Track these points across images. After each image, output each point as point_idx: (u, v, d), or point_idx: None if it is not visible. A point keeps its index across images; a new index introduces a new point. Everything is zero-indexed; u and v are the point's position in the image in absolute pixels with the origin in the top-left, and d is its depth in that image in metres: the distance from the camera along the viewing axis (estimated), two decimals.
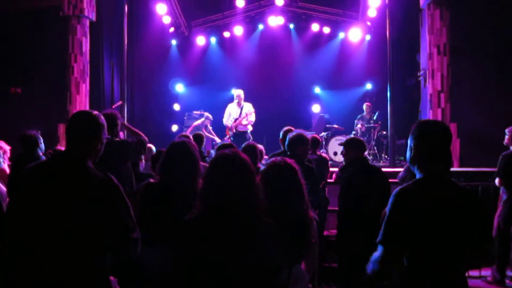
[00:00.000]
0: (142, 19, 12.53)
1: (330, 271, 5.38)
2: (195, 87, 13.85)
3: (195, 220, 2.22)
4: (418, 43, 10.33)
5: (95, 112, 2.45)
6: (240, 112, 9.71)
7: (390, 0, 9.47)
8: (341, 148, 4.90)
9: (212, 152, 6.70)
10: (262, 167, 2.65)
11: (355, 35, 13.08)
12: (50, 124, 9.41)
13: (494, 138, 7.48)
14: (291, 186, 2.56)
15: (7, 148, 5.39)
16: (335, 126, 11.50)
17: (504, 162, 5.57)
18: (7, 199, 4.09)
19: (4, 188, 4.32)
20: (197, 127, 10.92)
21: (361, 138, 10.56)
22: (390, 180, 4.67)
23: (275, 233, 2.20)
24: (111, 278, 2.43)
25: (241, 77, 13.02)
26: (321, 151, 9.46)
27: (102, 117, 2.47)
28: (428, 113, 9.32)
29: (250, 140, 8.15)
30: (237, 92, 9.95)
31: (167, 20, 12.58)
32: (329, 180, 6.45)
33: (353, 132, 11.13)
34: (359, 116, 11.41)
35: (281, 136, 5.49)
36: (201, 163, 3.40)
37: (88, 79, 10.58)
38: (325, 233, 6.28)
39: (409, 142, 2.35)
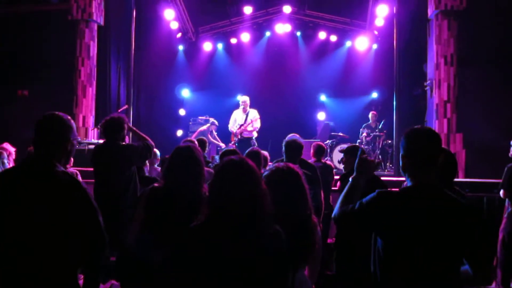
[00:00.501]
0: (149, 24, 12.60)
1: (333, 279, 5.34)
2: (201, 92, 13.89)
3: (201, 226, 2.21)
4: (425, 53, 10.32)
5: (62, 114, 2.41)
6: (245, 118, 9.71)
7: (397, 9, 9.47)
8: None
9: (216, 157, 6.70)
10: (265, 173, 2.64)
11: (362, 43, 13.09)
12: None
13: (500, 149, 7.45)
14: (294, 191, 2.55)
15: (12, 150, 5.41)
16: (340, 134, 11.49)
17: (509, 174, 5.53)
18: None
19: None
20: (203, 133, 10.95)
21: (366, 147, 10.62)
22: (394, 189, 4.64)
23: (282, 240, 2.18)
24: (114, 281, 2.43)
25: (247, 83, 13.04)
26: (326, 158, 9.45)
27: (69, 118, 2.43)
28: (434, 123, 9.29)
29: (255, 147, 8.13)
30: (242, 98, 9.96)
31: (174, 25, 12.64)
32: (333, 188, 6.42)
33: (358, 141, 11.11)
34: (364, 125, 11.39)
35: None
36: (205, 168, 3.40)
37: (94, 83, 10.65)
38: (329, 240, 6.24)
39: (400, 150, 2.31)
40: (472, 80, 9.28)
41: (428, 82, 10.03)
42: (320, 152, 6.54)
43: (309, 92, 13.58)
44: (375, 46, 13.14)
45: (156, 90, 13.52)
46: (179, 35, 13.38)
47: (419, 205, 2.15)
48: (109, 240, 4.35)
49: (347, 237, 4.37)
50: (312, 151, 6.62)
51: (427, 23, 10.10)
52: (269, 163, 6.11)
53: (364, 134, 11.08)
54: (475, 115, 9.03)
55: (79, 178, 6.24)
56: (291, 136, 4.91)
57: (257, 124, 9.71)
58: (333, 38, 13.43)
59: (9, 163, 5.31)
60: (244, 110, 9.79)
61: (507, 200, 5.67)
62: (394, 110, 9.27)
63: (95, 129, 10.14)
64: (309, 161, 5.99)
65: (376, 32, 12.70)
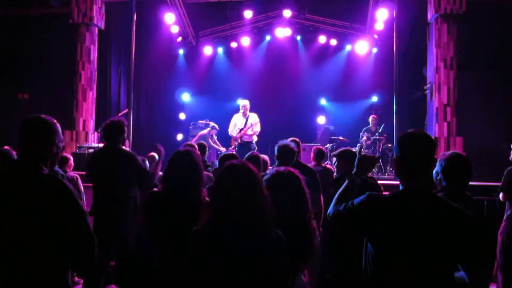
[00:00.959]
0: (150, 28, 12.63)
1: (332, 282, 5.32)
2: (201, 96, 13.90)
3: (202, 230, 2.22)
4: (425, 57, 10.34)
5: (46, 117, 2.40)
6: (245, 123, 9.72)
7: (397, 13, 9.50)
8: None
9: (216, 162, 6.69)
10: (266, 176, 2.64)
11: (362, 47, 13.12)
12: None
13: (500, 152, 7.45)
14: (295, 194, 2.55)
15: (13, 153, 5.41)
16: (340, 138, 11.49)
17: (509, 177, 5.53)
18: None
19: None
20: (203, 137, 10.94)
21: (366, 151, 10.61)
22: (385, 193, 4.62)
23: (283, 244, 2.19)
24: (113, 286, 2.43)
25: (247, 87, 13.05)
26: (326, 162, 9.44)
27: (54, 121, 2.42)
28: (434, 127, 9.30)
29: (254, 151, 8.14)
30: (243, 102, 9.97)
31: (175, 29, 12.66)
32: None
33: (358, 145, 11.10)
34: (364, 129, 11.39)
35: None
36: (204, 172, 3.40)
37: (95, 87, 10.67)
38: None
39: (394, 153, 2.30)
40: (472, 83, 9.30)
41: (428, 85, 10.04)
42: (320, 156, 6.54)
43: (309, 96, 13.59)
44: (375, 50, 13.16)
45: (156, 94, 13.54)
46: (179, 39, 13.41)
47: (407, 209, 2.14)
48: (109, 244, 4.36)
49: (340, 238, 4.36)
50: (312, 155, 6.62)
51: (427, 27, 10.13)
52: (269, 167, 6.11)
53: (364, 138, 11.07)
54: (475, 118, 9.05)
55: (79, 182, 6.27)
56: (286, 140, 4.90)
57: (257, 128, 9.71)
58: (333, 42, 13.44)
59: None
60: (244, 114, 9.79)
61: (507, 202, 5.67)
62: (394, 114, 9.28)
63: (95, 133, 10.14)
64: (309, 165, 5.99)
65: (376, 36, 12.72)
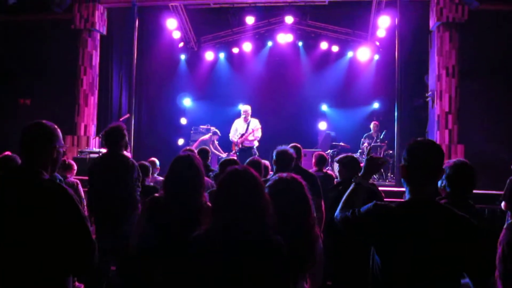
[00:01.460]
0: (152, 34, 12.67)
1: None
2: (203, 101, 13.91)
3: (204, 236, 2.21)
4: (427, 64, 10.35)
5: (47, 122, 2.41)
6: (246, 128, 9.72)
7: (399, 21, 9.51)
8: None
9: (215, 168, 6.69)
10: (269, 182, 2.64)
11: (364, 54, 13.13)
12: None
13: (501, 161, 7.43)
14: (297, 201, 2.55)
15: (16, 159, 5.41)
16: (342, 144, 11.49)
17: (511, 186, 5.52)
18: None
19: None
20: (204, 142, 10.95)
21: (367, 157, 10.61)
22: (395, 200, 4.62)
23: (283, 250, 2.18)
24: None
25: (248, 93, 13.07)
26: (327, 168, 9.44)
27: (54, 126, 2.42)
28: (436, 134, 9.30)
29: (255, 156, 8.14)
30: (244, 107, 9.98)
31: (177, 35, 12.70)
32: None
33: (359, 151, 11.10)
34: (365, 135, 11.39)
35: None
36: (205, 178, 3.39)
37: (96, 92, 10.70)
38: None
39: (402, 160, 2.29)
40: (473, 91, 9.31)
41: (430, 93, 10.05)
42: (322, 162, 6.54)
43: (311, 102, 13.59)
44: (376, 57, 13.18)
45: (157, 99, 13.55)
46: (181, 44, 13.44)
47: (415, 219, 2.13)
48: (109, 249, 4.34)
49: (342, 246, 4.35)
50: (313, 160, 6.62)
51: (429, 34, 10.15)
52: (270, 173, 6.11)
53: (365, 144, 11.07)
54: (477, 126, 9.05)
55: (80, 187, 6.26)
56: (281, 146, 4.89)
57: (258, 134, 9.72)
58: (335, 48, 13.47)
59: None
60: (246, 120, 9.80)
61: (508, 212, 5.65)
62: (396, 121, 9.28)
63: (97, 138, 10.15)
64: (311, 170, 5.98)
65: (377, 43, 12.74)
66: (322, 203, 5.00)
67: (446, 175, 3.10)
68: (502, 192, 5.68)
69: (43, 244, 2.18)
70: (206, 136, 11.34)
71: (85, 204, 6.16)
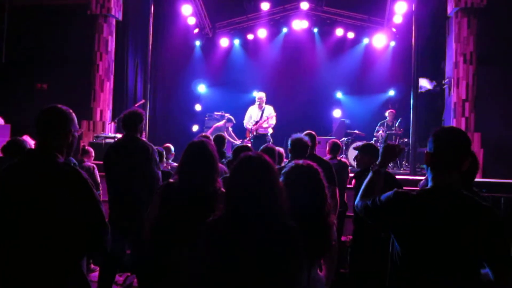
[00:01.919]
0: (167, 20, 12.66)
1: (347, 277, 5.32)
2: (217, 88, 13.92)
3: (218, 221, 2.23)
4: (444, 51, 10.21)
5: (62, 106, 2.44)
6: (261, 115, 9.71)
7: (416, 7, 9.37)
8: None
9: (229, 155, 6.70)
10: (284, 169, 2.64)
11: (380, 41, 13.00)
12: None
13: None
14: (313, 188, 2.55)
15: (32, 142, 5.48)
16: (356, 131, 11.44)
17: None
18: None
19: None
20: (219, 129, 10.97)
21: (382, 145, 10.55)
22: (410, 188, 4.60)
23: (298, 236, 2.19)
24: (129, 274, 2.45)
25: (263, 79, 13.04)
26: (341, 156, 9.41)
27: (69, 111, 2.45)
28: (452, 122, 9.20)
29: (270, 143, 8.14)
30: (259, 94, 9.96)
31: (192, 21, 12.69)
32: (348, 186, 6.40)
33: (374, 139, 11.04)
34: (380, 123, 11.31)
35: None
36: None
37: (112, 77, 10.75)
38: (343, 238, 6.23)
39: (428, 146, 2.25)
40: (491, 79, 9.16)
41: (447, 80, 9.92)
42: (336, 149, 6.52)
43: (325, 89, 13.52)
44: (392, 44, 13.03)
45: (172, 85, 13.60)
46: (196, 30, 13.42)
47: (436, 207, 2.11)
48: (124, 233, 4.39)
49: (363, 235, 4.36)
50: (327, 148, 6.61)
51: (446, 20, 10.00)
52: (284, 160, 6.11)
53: (381, 131, 11.00)
54: (494, 114, 8.92)
55: (96, 172, 6.34)
56: (300, 134, 4.89)
57: (273, 121, 9.70)
58: (351, 35, 13.34)
59: None
60: (260, 107, 9.78)
61: None
62: (411, 108, 9.19)
63: (113, 123, 10.23)
64: (325, 158, 5.97)
65: (394, 30, 12.59)
66: (337, 190, 5.01)
67: None
68: None
69: (58, 226, 2.23)
70: (221, 123, 11.36)
71: (101, 188, 6.25)
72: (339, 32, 13.33)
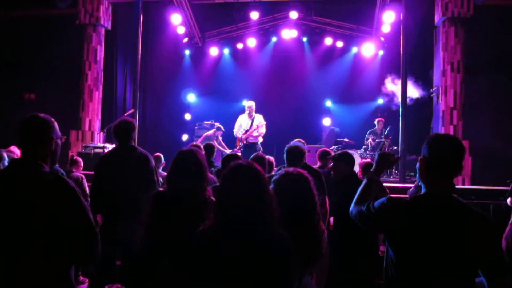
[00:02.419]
0: (156, 29, 12.67)
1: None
2: (207, 97, 13.91)
3: (208, 231, 2.21)
4: (432, 60, 10.31)
5: (42, 115, 2.41)
6: (251, 124, 9.71)
7: (404, 16, 9.47)
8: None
9: (218, 163, 6.69)
10: (275, 177, 2.63)
11: (368, 50, 13.09)
12: (63, 130, 9.47)
13: (506, 157, 7.40)
14: (303, 196, 2.54)
15: (19, 152, 5.43)
16: (346, 140, 11.47)
17: None
18: None
19: None
20: (208, 138, 10.96)
21: (371, 153, 10.59)
22: (400, 196, 4.61)
23: (288, 245, 2.18)
24: (119, 285, 2.43)
25: (253, 88, 13.06)
26: (331, 164, 9.41)
27: (50, 118, 2.43)
28: (440, 130, 9.28)
29: (259, 152, 8.14)
30: (248, 103, 9.97)
31: (181, 30, 12.69)
32: None
33: (364, 147, 11.09)
34: (370, 131, 11.36)
35: None
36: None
37: (101, 87, 10.72)
38: None
39: (422, 152, 2.25)
40: (478, 87, 9.27)
41: (434, 89, 10.01)
42: (325, 157, 6.52)
43: (315, 98, 13.57)
44: (381, 53, 13.13)
45: (162, 95, 13.57)
46: (185, 39, 13.43)
47: (430, 214, 2.11)
48: (114, 243, 4.35)
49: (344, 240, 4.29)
50: (317, 156, 6.61)
51: (434, 30, 10.11)
52: (274, 168, 6.11)
53: (370, 140, 11.05)
54: (481, 122, 9.02)
55: (85, 182, 6.29)
56: (293, 142, 4.90)
57: (263, 130, 9.71)
58: (339, 44, 13.43)
59: None
60: (250, 115, 9.79)
61: None
62: (400, 117, 9.24)
63: (101, 133, 10.17)
64: (314, 166, 5.97)
65: (382, 39, 12.69)
66: (327, 199, 5.00)
67: None
68: (506, 188, 5.66)
69: (45, 236, 2.18)
70: (210, 132, 11.34)
71: (89, 199, 6.20)
72: (328, 41, 13.41)
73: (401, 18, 9.63)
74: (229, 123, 10.68)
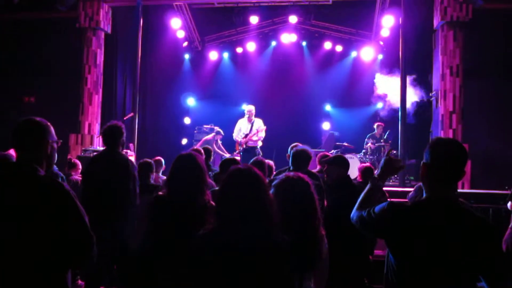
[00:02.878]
0: (156, 33, 12.68)
1: None
2: (207, 101, 13.92)
3: (208, 236, 2.21)
4: (431, 64, 10.33)
5: (38, 118, 2.40)
6: (250, 128, 9.71)
7: (403, 20, 9.49)
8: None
9: (216, 167, 6.68)
10: (275, 181, 2.62)
11: (368, 54, 13.12)
12: (62, 134, 9.49)
13: (506, 160, 7.40)
14: (304, 200, 2.53)
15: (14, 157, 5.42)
16: (345, 144, 11.47)
17: None
18: None
19: None
20: (208, 142, 10.96)
21: (371, 157, 10.58)
22: (400, 200, 4.60)
23: (289, 249, 2.17)
24: None
25: (252, 92, 13.07)
26: (325, 167, 9.39)
27: (46, 122, 2.41)
28: (440, 134, 9.27)
29: (259, 156, 8.12)
30: (248, 107, 9.97)
31: (181, 34, 12.71)
32: None
33: (363, 151, 11.09)
34: (369, 135, 11.36)
35: (289, 152, 5.48)
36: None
37: (101, 91, 10.71)
38: None
39: (424, 157, 2.22)
40: (477, 91, 9.29)
41: (434, 92, 10.02)
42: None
43: (314, 102, 13.59)
44: (380, 57, 13.15)
45: (161, 99, 13.57)
46: (185, 44, 13.45)
47: (432, 219, 2.09)
48: (106, 247, 4.33)
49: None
50: (317, 161, 6.60)
51: (433, 34, 10.12)
52: (274, 172, 6.10)
53: (369, 144, 11.05)
54: (481, 126, 9.02)
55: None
56: (300, 146, 4.87)
57: (262, 134, 9.71)
58: (339, 48, 13.47)
59: None
60: (249, 120, 9.79)
61: None
62: (400, 121, 9.25)
63: (101, 137, 10.16)
64: (314, 170, 5.97)
65: (381, 43, 12.72)
66: (326, 203, 4.99)
67: None
68: (507, 192, 5.66)
69: (41, 239, 2.18)
70: (210, 136, 11.34)
71: None
72: (328, 45, 13.45)
73: (400, 22, 9.65)
74: (229, 127, 10.68)
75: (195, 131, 12.47)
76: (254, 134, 9.57)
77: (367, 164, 6.65)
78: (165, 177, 6.33)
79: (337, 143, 11.75)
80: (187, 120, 13.81)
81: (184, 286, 2.39)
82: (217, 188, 3.49)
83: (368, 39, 13.14)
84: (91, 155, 8.74)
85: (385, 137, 11.06)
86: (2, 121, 9.65)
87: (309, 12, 12.55)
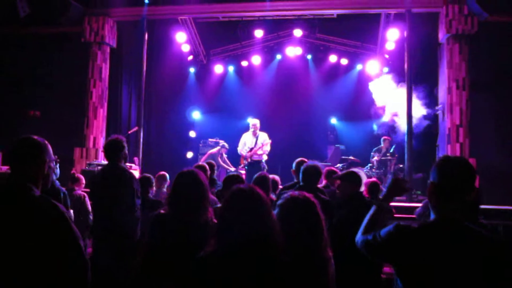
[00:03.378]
0: (161, 47, 12.73)
1: None
2: (212, 114, 13.92)
3: (209, 257, 2.15)
4: (437, 77, 10.27)
5: (36, 137, 2.36)
6: (255, 142, 9.66)
7: (408, 33, 9.46)
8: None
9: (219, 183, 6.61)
10: (279, 201, 2.56)
11: (373, 67, 13.09)
12: (67, 147, 9.50)
13: None
14: (309, 221, 2.46)
15: None
16: (351, 157, 11.39)
17: None
18: None
19: None
20: (213, 156, 10.93)
21: (377, 171, 10.49)
22: (406, 216, 4.52)
23: (291, 271, 2.11)
24: None
25: (257, 106, 13.06)
26: (337, 184, 9.31)
27: (43, 141, 2.37)
28: (446, 148, 9.19)
29: (264, 170, 8.05)
30: (253, 121, 9.93)
31: (186, 48, 12.76)
32: None
33: (369, 165, 11.00)
34: (375, 149, 11.27)
35: (293, 167, 5.41)
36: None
37: (106, 104, 10.72)
38: None
39: (430, 176, 2.13)
40: (484, 104, 9.21)
41: (440, 106, 9.95)
42: (331, 176, 6.44)
43: (320, 115, 13.56)
44: (386, 70, 13.11)
45: (166, 112, 13.58)
46: (190, 57, 13.50)
47: (440, 242, 2.00)
48: (106, 266, 4.27)
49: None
50: (324, 175, 6.53)
51: (438, 47, 10.08)
52: (280, 187, 6.03)
53: (376, 158, 10.96)
54: (488, 139, 8.93)
55: (87, 200, 6.24)
56: (310, 162, 4.79)
57: (267, 148, 9.65)
58: (344, 61, 13.46)
59: None
60: (254, 133, 9.75)
61: None
62: (406, 134, 9.18)
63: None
64: (320, 185, 5.89)
65: (387, 56, 12.70)
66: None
67: None
68: None
69: (33, 262, 2.11)
70: (215, 150, 11.31)
71: (91, 216, 6.12)
72: (333, 58, 13.45)
73: (405, 35, 9.63)
74: (234, 140, 10.64)
75: (200, 145, 12.45)
76: (259, 148, 9.52)
77: (373, 179, 6.57)
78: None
79: (343, 157, 11.67)
80: (192, 134, 13.81)
81: None
82: (219, 205, 3.42)
83: (373, 52, 13.13)
84: (96, 169, 8.73)
85: (391, 151, 10.97)
86: (8, 135, 9.69)
87: (314, 25, 12.58)
